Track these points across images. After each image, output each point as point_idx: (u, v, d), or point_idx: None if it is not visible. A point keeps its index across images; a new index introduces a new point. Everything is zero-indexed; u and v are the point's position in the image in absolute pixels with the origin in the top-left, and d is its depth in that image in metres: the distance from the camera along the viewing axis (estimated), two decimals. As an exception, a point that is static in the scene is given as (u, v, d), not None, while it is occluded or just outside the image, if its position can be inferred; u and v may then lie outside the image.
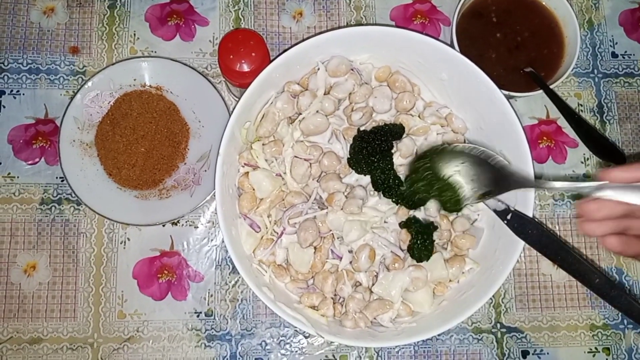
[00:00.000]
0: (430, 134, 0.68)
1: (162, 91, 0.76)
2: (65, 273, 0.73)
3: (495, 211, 0.64)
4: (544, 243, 0.61)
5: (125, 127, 0.73)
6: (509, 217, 0.63)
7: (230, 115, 0.62)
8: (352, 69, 0.68)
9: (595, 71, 0.82)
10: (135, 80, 0.75)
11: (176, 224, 0.75)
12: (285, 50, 0.64)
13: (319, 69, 0.67)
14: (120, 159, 0.73)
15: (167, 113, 0.75)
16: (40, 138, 0.76)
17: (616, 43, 0.83)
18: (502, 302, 0.76)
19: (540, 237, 0.61)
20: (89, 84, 0.74)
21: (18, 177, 0.75)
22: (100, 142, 0.74)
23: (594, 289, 0.58)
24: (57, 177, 0.75)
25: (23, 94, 0.76)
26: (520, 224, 0.62)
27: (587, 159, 0.80)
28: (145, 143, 0.73)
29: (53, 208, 0.74)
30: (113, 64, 0.75)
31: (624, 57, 0.83)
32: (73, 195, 0.73)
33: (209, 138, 0.75)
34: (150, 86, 0.76)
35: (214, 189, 0.61)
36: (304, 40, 0.64)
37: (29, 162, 0.75)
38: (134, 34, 0.79)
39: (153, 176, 0.73)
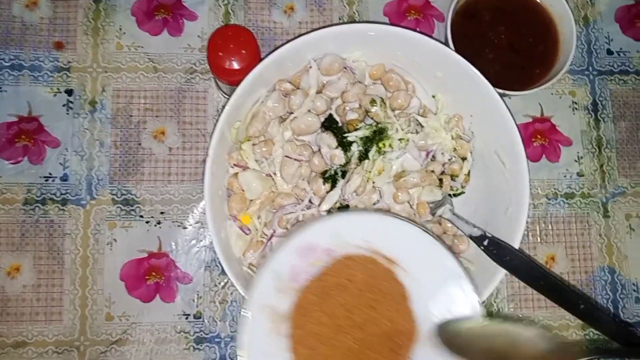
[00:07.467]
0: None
1: (395, 267, 0.55)
2: (50, 275, 0.71)
3: (470, 237, 0.62)
4: (523, 270, 0.59)
5: (337, 306, 0.53)
6: (485, 242, 0.61)
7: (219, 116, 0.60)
8: (345, 67, 0.66)
9: (590, 68, 0.82)
10: (366, 241, 0.54)
11: (160, 223, 0.73)
12: (277, 48, 0.62)
13: (311, 66, 0.65)
14: (319, 352, 0.52)
15: (395, 300, 0.54)
16: (23, 136, 0.73)
17: (612, 40, 0.82)
18: (495, 302, 0.75)
19: (519, 265, 0.59)
20: (304, 234, 0.54)
21: (0, 176, 0.72)
22: (299, 318, 0.53)
23: (580, 316, 0.57)
24: (40, 177, 0.72)
25: (5, 91, 0.74)
26: (498, 250, 0.60)
27: (581, 157, 0.79)
28: (358, 335, 0.53)
29: (37, 208, 0.72)
30: (341, 215, 0.58)
31: (619, 55, 0.82)
32: (57, 195, 0.71)
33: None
34: (383, 256, 0.54)
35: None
36: (296, 37, 0.63)
37: (12, 162, 0.73)
38: (120, 29, 0.77)
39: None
